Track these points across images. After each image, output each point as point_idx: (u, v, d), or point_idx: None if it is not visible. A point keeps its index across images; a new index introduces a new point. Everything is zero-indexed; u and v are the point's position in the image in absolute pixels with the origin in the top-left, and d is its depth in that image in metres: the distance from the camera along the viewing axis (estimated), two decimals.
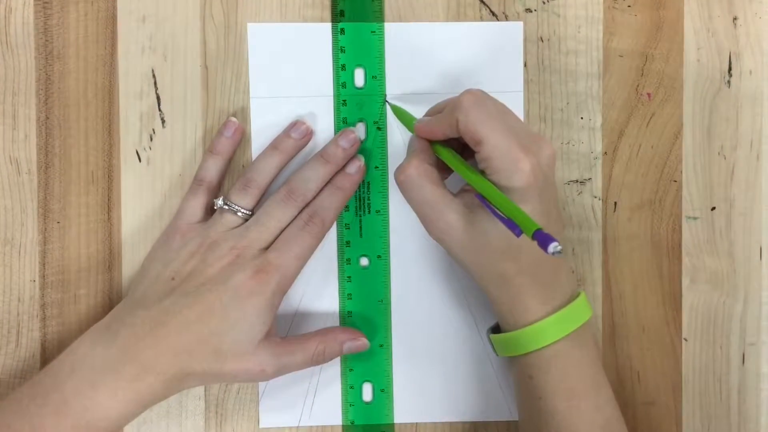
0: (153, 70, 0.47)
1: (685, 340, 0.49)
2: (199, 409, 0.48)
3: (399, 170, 0.42)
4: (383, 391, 0.48)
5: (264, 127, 0.47)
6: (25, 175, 0.47)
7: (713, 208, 0.49)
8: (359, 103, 0.47)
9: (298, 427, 0.48)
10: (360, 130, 0.47)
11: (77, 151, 0.47)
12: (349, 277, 0.48)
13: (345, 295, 0.48)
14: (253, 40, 0.47)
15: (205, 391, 0.48)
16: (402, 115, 0.47)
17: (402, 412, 0.48)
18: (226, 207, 0.44)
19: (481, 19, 0.48)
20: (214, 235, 0.44)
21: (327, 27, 0.47)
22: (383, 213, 0.48)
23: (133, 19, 0.47)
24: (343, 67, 0.47)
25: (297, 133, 0.46)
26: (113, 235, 0.47)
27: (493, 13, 0.48)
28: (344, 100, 0.47)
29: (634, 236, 0.48)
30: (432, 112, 0.45)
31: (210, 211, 0.46)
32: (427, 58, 0.48)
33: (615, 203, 0.48)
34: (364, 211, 0.48)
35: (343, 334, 0.46)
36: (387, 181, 0.48)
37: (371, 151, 0.47)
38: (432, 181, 0.42)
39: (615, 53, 0.48)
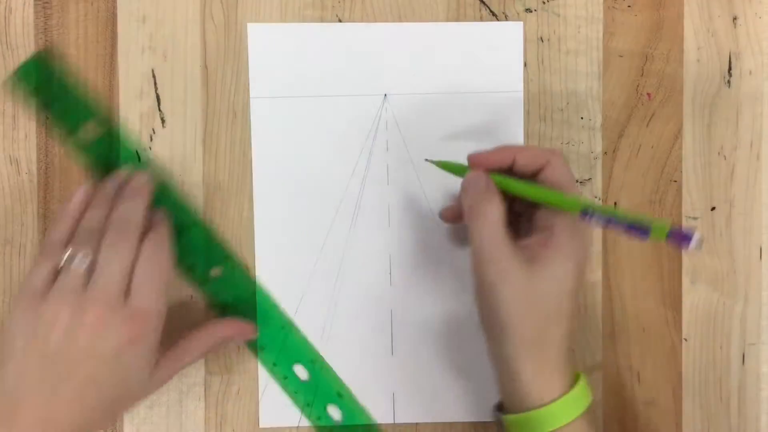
0: (153, 70, 0.47)
1: (685, 340, 0.49)
2: (199, 409, 0.48)
3: (489, 200, 0.41)
4: (315, 366, 0.48)
5: (264, 127, 0.47)
6: (25, 175, 0.47)
7: (713, 208, 0.49)
8: None
9: (298, 427, 0.48)
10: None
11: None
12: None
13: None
14: (253, 40, 0.47)
15: (205, 391, 0.48)
16: (448, 166, 0.46)
17: (402, 412, 0.48)
18: (70, 265, 0.41)
19: (481, 19, 0.48)
20: (68, 297, 0.40)
21: (327, 27, 0.47)
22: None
23: (133, 19, 0.47)
24: None
25: (114, 183, 0.44)
26: None
27: (493, 13, 0.48)
28: None
29: None
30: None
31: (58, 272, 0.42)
32: (427, 58, 0.48)
33: (615, 203, 0.48)
34: None
35: (226, 329, 0.45)
36: None
37: None
38: (505, 224, 0.41)
39: (615, 53, 0.48)
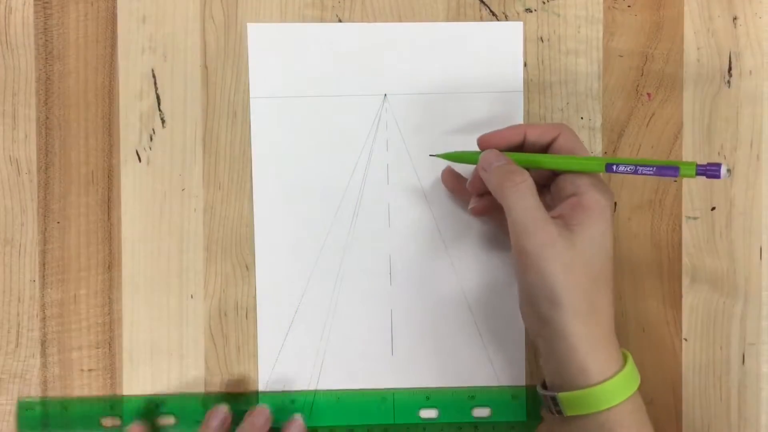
0: (153, 70, 0.47)
1: (685, 340, 0.49)
2: None
3: (516, 171, 0.41)
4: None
5: (264, 127, 0.47)
6: (25, 175, 0.47)
7: (713, 208, 0.49)
8: None
9: None
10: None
11: (77, 151, 0.47)
12: None
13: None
14: (253, 40, 0.47)
15: (205, 390, 0.48)
16: (455, 156, 0.46)
17: (402, 412, 0.48)
18: None
19: (481, 19, 0.48)
20: None
21: (327, 27, 0.47)
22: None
23: (133, 19, 0.47)
24: None
25: (216, 420, 0.45)
26: (113, 235, 0.47)
27: (493, 13, 0.48)
28: None
29: (634, 236, 0.48)
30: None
31: None
32: (427, 58, 0.48)
33: (615, 203, 0.48)
34: None
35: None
36: None
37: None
38: (536, 193, 0.41)
39: (615, 53, 0.48)
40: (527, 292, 0.40)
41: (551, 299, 0.39)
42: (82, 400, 0.47)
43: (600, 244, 0.40)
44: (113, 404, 0.47)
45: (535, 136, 0.42)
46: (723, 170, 0.34)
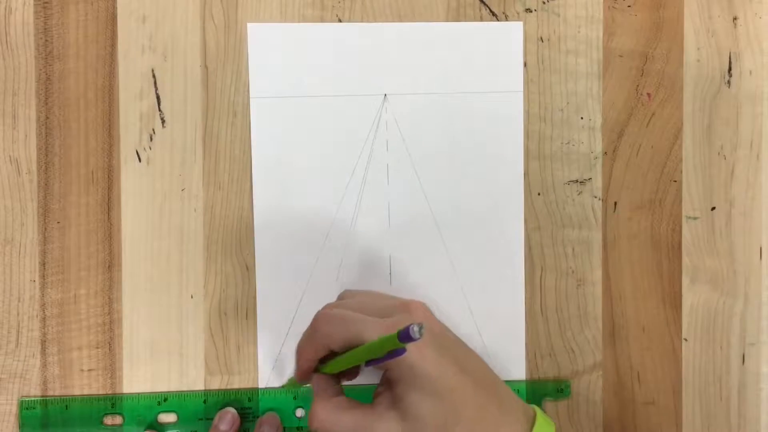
0: (153, 70, 0.47)
1: (685, 340, 0.49)
2: None
3: (311, 420, 0.39)
4: None
5: (264, 127, 0.47)
6: (25, 175, 0.47)
7: (713, 208, 0.49)
8: None
9: (298, 427, 0.48)
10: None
11: (77, 151, 0.47)
12: None
13: None
14: (253, 40, 0.47)
15: (204, 387, 0.48)
16: (289, 384, 0.46)
17: None
18: None
19: (481, 19, 0.48)
20: None
21: (327, 27, 0.47)
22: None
23: (133, 19, 0.47)
24: None
25: (225, 425, 0.46)
26: (113, 235, 0.47)
27: (493, 13, 0.48)
28: None
29: (634, 236, 0.48)
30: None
31: None
32: (427, 58, 0.48)
33: (615, 203, 0.48)
34: None
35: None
36: None
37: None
38: (348, 408, 0.39)
39: (615, 53, 0.48)
40: None
41: None
42: (83, 399, 0.47)
43: (431, 411, 0.37)
44: (114, 402, 0.47)
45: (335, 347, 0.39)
46: (413, 330, 0.31)
